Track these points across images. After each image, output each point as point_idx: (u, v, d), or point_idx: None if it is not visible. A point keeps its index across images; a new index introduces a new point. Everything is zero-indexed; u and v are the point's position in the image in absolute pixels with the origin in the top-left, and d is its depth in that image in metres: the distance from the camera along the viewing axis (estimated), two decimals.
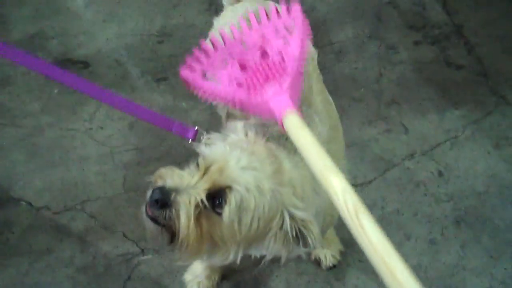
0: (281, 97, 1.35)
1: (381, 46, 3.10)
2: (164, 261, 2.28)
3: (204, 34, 2.22)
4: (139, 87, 2.92)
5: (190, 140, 1.58)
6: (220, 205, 1.26)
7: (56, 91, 2.86)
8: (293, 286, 2.24)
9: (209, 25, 2.24)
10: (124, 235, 2.35)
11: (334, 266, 2.25)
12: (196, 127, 1.58)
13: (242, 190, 1.24)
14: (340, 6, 3.32)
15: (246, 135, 1.44)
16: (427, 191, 2.50)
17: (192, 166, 1.34)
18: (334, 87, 2.78)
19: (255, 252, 1.48)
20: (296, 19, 1.56)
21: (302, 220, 1.29)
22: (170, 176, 1.31)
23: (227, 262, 1.38)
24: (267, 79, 1.40)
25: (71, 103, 2.82)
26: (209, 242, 1.30)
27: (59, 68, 1.63)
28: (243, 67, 1.50)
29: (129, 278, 2.25)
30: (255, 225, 1.27)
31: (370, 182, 2.53)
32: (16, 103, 2.83)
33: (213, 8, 3.21)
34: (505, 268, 2.28)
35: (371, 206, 2.43)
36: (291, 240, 1.30)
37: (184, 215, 1.24)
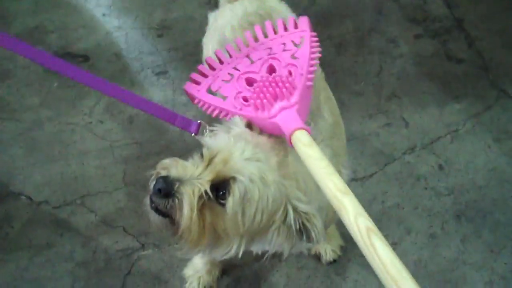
0: (288, 112, 1.35)
1: (381, 39, 3.09)
2: (164, 256, 2.28)
3: (203, 27, 2.22)
4: (139, 81, 2.91)
5: (193, 133, 1.57)
6: (224, 196, 1.25)
7: (55, 85, 2.85)
8: (293, 281, 2.24)
9: None
10: (124, 230, 2.35)
11: (335, 261, 2.25)
12: (200, 121, 1.57)
13: (246, 181, 1.23)
14: None
15: (249, 127, 1.43)
16: (427, 185, 2.50)
17: (196, 157, 1.32)
18: (334, 81, 2.77)
19: (257, 248, 1.47)
20: (303, 32, 1.56)
21: (306, 214, 1.28)
22: (174, 167, 1.30)
23: (229, 256, 1.37)
24: (274, 95, 1.39)
25: (70, 97, 2.81)
26: (211, 234, 1.29)
27: (64, 61, 1.62)
28: (249, 82, 1.49)
29: (129, 273, 2.25)
30: (258, 217, 1.26)
31: (370, 176, 2.52)
32: (15, 97, 2.82)
33: (213, 1, 3.19)
34: (505, 263, 2.28)
35: (371, 200, 2.43)
36: (294, 234, 1.30)
37: (188, 206, 1.23)
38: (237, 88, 1.49)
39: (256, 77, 1.49)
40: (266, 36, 1.63)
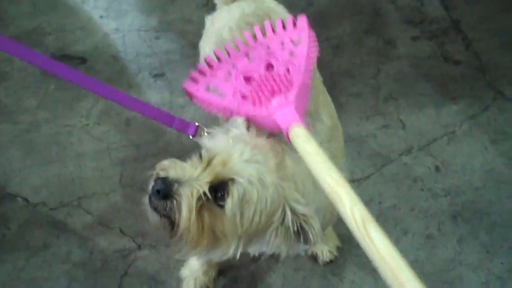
0: (286, 108, 1.36)
1: (378, 41, 3.10)
2: (161, 257, 2.28)
3: (201, 30, 2.22)
4: (136, 83, 2.91)
5: (191, 136, 1.57)
6: (223, 198, 1.25)
7: (52, 87, 2.85)
8: (290, 282, 2.24)
9: None
10: (121, 231, 2.35)
11: (331, 261, 2.26)
12: (197, 123, 1.57)
13: (244, 182, 1.23)
14: (338, 0, 3.31)
15: (248, 129, 1.43)
16: (424, 186, 2.51)
17: (195, 158, 1.33)
18: (331, 82, 2.78)
19: (255, 250, 1.47)
20: (302, 31, 1.56)
21: (304, 215, 1.28)
22: (173, 168, 1.30)
23: (226, 257, 1.37)
24: (272, 91, 1.40)
25: (68, 99, 2.81)
26: (210, 236, 1.29)
27: (61, 63, 1.62)
28: (247, 79, 1.50)
29: (125, 273, 2.25)
30: (257, 219, 1.26)
31: (367, 177, 2.53)
32: (12, 99, 2.82)
33: (211, 3, 3.19)
34: (501, 263, 2.28)
35: (368, 202, 2.43)
36: (292, 236, 1.30)
37: (186, 207, 1.23)
38: (235, 85, 1.50)
39: (254, 74, 1.50)
40: (264, 35, 1.63)
